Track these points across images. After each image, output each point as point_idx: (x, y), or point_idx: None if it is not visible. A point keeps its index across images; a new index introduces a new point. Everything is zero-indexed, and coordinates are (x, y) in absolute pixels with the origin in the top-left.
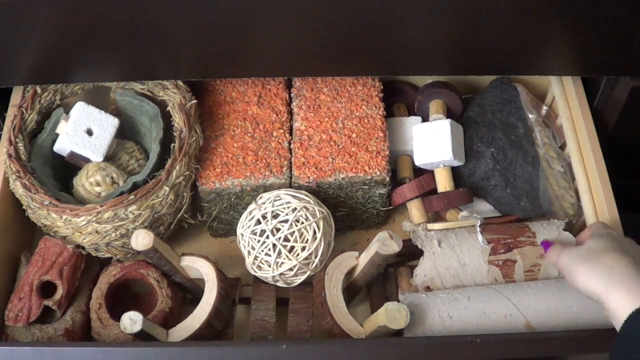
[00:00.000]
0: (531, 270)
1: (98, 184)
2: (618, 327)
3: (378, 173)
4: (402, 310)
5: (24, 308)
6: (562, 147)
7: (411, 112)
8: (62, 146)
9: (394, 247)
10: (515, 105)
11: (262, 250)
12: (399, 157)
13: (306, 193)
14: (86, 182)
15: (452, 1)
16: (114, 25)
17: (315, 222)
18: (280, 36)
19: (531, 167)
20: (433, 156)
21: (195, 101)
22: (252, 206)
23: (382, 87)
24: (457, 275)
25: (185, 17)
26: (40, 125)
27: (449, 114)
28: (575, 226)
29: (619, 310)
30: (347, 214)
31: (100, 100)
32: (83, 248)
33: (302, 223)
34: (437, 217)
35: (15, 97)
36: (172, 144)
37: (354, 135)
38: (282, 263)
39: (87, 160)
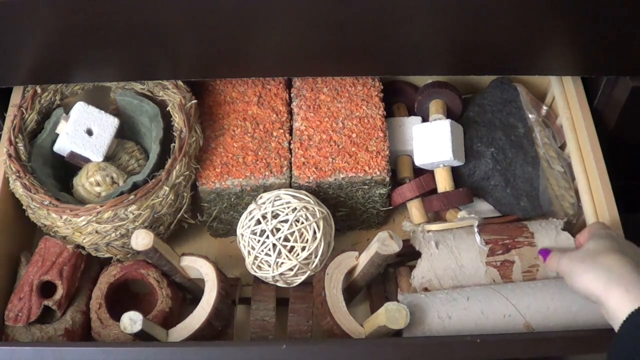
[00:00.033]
0: (529, 271)
1: (98, 184)
2: (616, 328)
3: (378, 173)
4: (402, 310)
5: (24, 308)
6: (562, 147)
7: (411, 112)
8: (62, 146)
9: (394, 247)
10: (515, 105)
11: (262, 250)
12: (399, 157)
13: (306, 193)
14: (86, 182)
15: (452, 1)
16: (114, 25)
17: (315, 222)
18: (280, 36)
19: (531, 167)
20: (433, 156)
21: (195, 101)
22: (252, 206)
23: (382, 87)
24: (455, 276)
25: (186, 17)
26: (40, 125)
27: (449, 114)
28: (575, 226)
29: (617, 311)
30: (347, 214)
31: (100, 100)
32: (83, 248)
33: (302, 223)
34: (437, 217)
35: (15, 97)
36: (172, 144)
37: (354, 135)
38: (282, 263)
39: (87, 160)
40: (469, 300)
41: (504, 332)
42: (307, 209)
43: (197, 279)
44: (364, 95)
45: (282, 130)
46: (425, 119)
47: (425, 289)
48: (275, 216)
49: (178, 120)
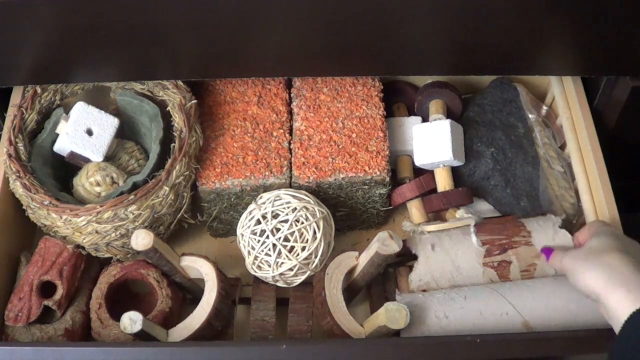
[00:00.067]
0: (527, 270)
1: (98, 184)
2: (617, 327)
3: (378, 173)
4: (402, 310)
5: (24, 308)
6: (562, 147)
7: (411, 112)
8: (62, 146)
9: (394, 247)
10: (515, 105)
11: (262, 250)
12: (399, 157)
13: (306, 193)
14: (86, 182)
15: (452, 1)
16: (114, 25)
17: (315, 222)
18: (280, 36)
19: (531, 167)
20: (433, 156)
21: (195, 101)
22: (252, 206)
23: (382, 87)
24: (453, 278)
25: (185, 17)
26: (40, 125)
27: (449, 114)
28: (575, 226)
29: (618, 311)
30: (347, 214)
31: (100, 100)
32: (83, 248)
33: (302, 223)
34: (437, 217)
35: (15, 97)
36: (172, 144)
37: (354, 135)
38: (282, 263)
39: (87, 160)
40: (466, 299)
41: (502, 330)
42: (307, 209)
43: (197, 279)
44: (364, 95)
45: (282, 130)
46: (425, 119)
47: (424, 292)
48: (275, 216)
49: (178, 120)
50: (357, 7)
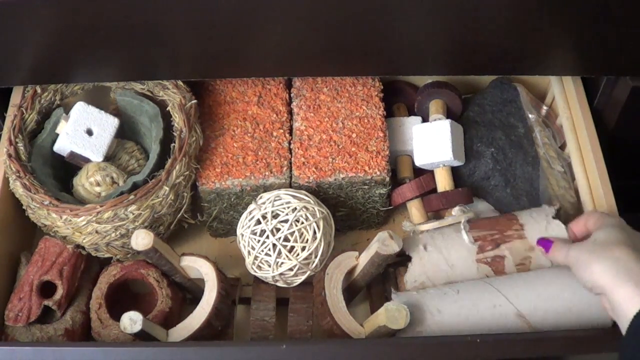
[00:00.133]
0: (522, 263)
1: (98, 184)
2: (623, 322)
3: (378, 173)
4: (402, 310)
5: (24, 308)
6: (562, 147)
7: (411, 112)
8: (62, 146)
9: (394, 247)
10: (515, 105)
11: (262, 250)
12: (399, 157)
13: (306, 193)
14: (86, 182)
15: (452, 1)
16: (114, 25)
17: (315, 222)
18: (280, 36)
19: (531, 167)
20: (433, 156)
21: (195, 101)
22: (252, 206)
23: (382, 87)
24: (448, 277)
25: (185, 17)
26: (40, 125)
27: (449, 114)
28: None
29: (626, 306)
30: (347, 214)
31: (100, 100)
32: (83, 248)
33: (302, 223)
34: (437, 217)
35: (15, 97)
36: (172, 144)
37: (354, 135)
38: (282, 263)
39: (87, 160)
40: (459, 293)
41: (496, 322)
42: (307, 209)
43: (197, 279)
44: (364, 95)
45: (282, 130)
46: (425, 119)
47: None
48: (275, 216)
49: (178, 120)
50: (357, 7)
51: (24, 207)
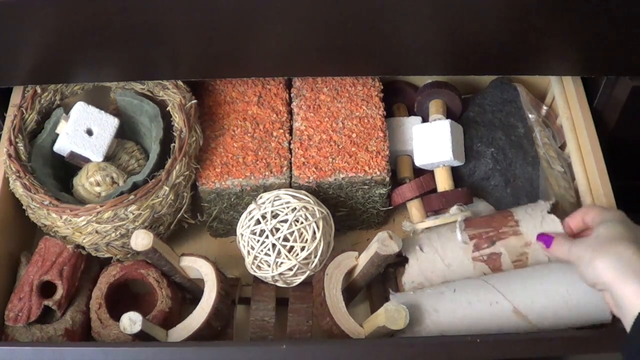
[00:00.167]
0: (519, 259)
1: (98, 184)
2: (628, 319)
3: (378, 173)
4: (401, 311)
5: (24, 308)
6: (562, 147)
7: (411, 112)
8: (62, 146)
9: (394, 247)
10: (515, 105)
11: (262, 250)
12: (399, 157)
13: (306, 193)
14: (86, 182)
15: (452, 1)
16: (114, 25)
17: (315, 222)
18: (280, 36)
19: (531, 167)
20: (433, 156)
21: (195, 101)
22: (251, 206)
23: (382, 87)
24: (445, 276)
25: (185, 17)
26: (40, 125)
27: (449, 114)
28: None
29: (630, 303)
30: (347, 214)
31: (100, 100)
32: (83, 248)
33: (302, 223)
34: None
35: (15, 97)
36: (172, 144)
37: (354, 135)
38: (282, 263)
39: (87, 160)
40: (455, 292)
41: (493, 319)
42: (306, 208)
43: (197, 279)
44: (364, 95)
45: (282, 130)
46: (425, 119)
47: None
48: (274, 216)
49: (178, 120)
50: (357, 7)
51: (24, 207)
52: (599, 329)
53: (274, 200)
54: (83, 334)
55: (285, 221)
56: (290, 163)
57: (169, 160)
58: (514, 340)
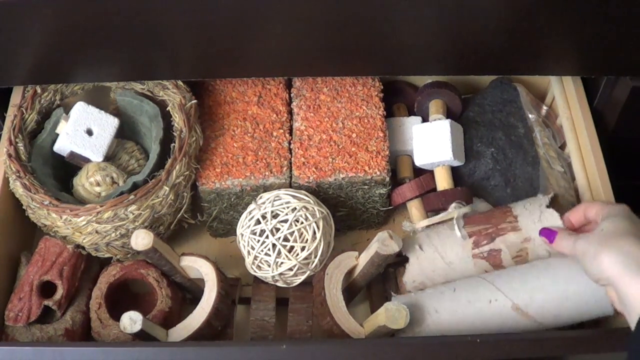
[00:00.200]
0: (519, 255)
1: (98, 184)
2: (632, 315)
3: (378, 173)
4: (402, 311)
5: (24, 308)
6: (562, 147)
7: (411, 112)
8: (62, 146)
9: (394, 247)
10: (515, 105)
11: (262, 250)
12: (399, 157)
13: (306, 193)
14: (86, 182)
15: (452, 1)
16: (114, 26)
17: (315, 222)
18: (280, 36)
19: (531, 167)
20: (433, 156)
21: (195, 101)
22: (252, 206)
23: (382, 87)
24: (446, 275)
25: (185, 17)
26: (40, 125)
27: (449, 114)
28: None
29: (636, 300)
30: (347, 214)
31: (100, 100)
32: (83, 248)
33: (302, 223)
34: None
35: (15, 97)
36: (172, 144)
37: (354, 135)
38: (282, 263)
39: (87, 160)
40: (455, 291)
41: (493, 316)
42: (306, 208)
43: (197, 279)
44: (364, 95)
45: (282, 130)
46: (425, 119)
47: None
48: (275, 216)
49: (178, 120)
50: (357, 7)
51: (24, 207)
52: (599, 328)
53: (274, 200)
54: (83, 334)
55: (286, 221)
56: (290, 163)
57: (169, 160)
58: (514, 340)
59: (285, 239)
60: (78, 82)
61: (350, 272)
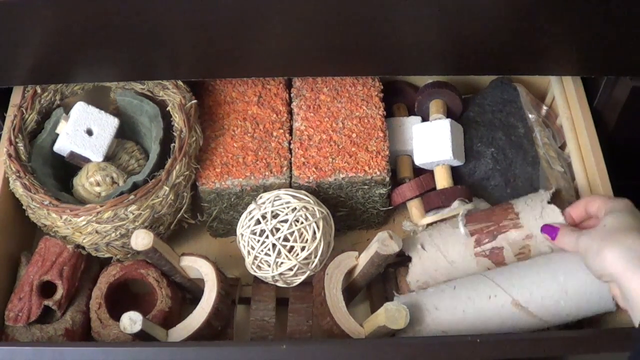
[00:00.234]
0: (521, 252)
1: (98, 184)
2: (635, 312)
3: (378, 173)
4: (402, 311)
5: (24, 308)
6: (562, 147)
7: (411, 112)
8: (62, 146)
9: (394, 247)
10: (515, 105)
11: (262, 250)
12: (399, 157)
13: (306, 193)
14: (86, 182)
15: (452, 1)
16: (114, 25)
17: (315, 222)
18: (280, 36)
19: (531, 167)
20: (433, 156)
21: (195, 101)
22: (252, 206)
23: (382, 87)
24: (449, 273)
25: (186, 17)
26: (40, 125)
27: (449, 114)
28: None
29: (638, 295)
30: (347, 214)
31: (100, 100)
32: (83, 248)
33: (302, 223)
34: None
35: (15, 97)
36: (172, 144)
37: (354, 135)
38: (282, 263)
39: (87, 160)
40: (455, 288)
41: (493, 313)
42: (306, 208)
43: (197, 279)
44: (364, 95)
45: (282, 130)
46: (425, 119)
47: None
48: (275, 216)
49: (178, 120)
50: (357, 7)
51: (24, 207)
52: (599, 328)
53: (274, 200)
54: (83, 334)
55: (286, 221)
56: (290, 163)
57: (169, 160)
58: (514, 340)
59: (285, 239)
60: (78, 82)
61: (350, 272)
